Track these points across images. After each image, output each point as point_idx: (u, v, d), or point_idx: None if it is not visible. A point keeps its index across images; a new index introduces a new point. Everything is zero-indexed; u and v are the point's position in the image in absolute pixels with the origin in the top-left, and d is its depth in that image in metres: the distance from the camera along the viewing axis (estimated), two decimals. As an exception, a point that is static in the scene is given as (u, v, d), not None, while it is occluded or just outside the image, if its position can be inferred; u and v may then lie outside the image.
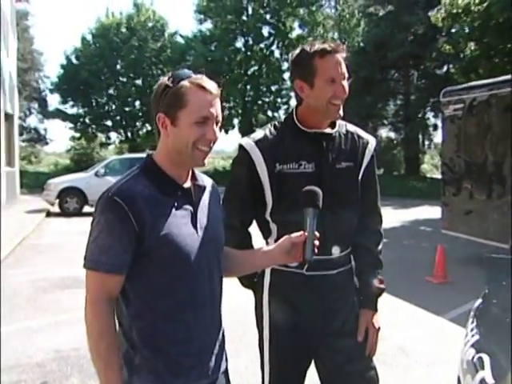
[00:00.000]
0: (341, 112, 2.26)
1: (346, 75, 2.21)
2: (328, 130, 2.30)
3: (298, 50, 2.26)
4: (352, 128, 2.41)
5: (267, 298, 2.32)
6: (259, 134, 2.32)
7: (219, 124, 1.71)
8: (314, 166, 2.23)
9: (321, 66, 2.17)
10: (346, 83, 2.21)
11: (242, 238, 2.32)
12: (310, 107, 2.25)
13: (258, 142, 2.27)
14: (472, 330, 2.42)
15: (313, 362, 2.40)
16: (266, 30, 34.50)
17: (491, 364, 2.01)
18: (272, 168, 2.23)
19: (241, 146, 2.29)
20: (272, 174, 2.23)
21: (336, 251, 2.28)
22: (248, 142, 2.29)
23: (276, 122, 2.38)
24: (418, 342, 5.26)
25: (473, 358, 2.16)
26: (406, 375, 4.49)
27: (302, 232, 1.80)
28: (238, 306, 5.40)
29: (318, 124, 2.27)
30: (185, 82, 1.66)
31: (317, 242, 1.80)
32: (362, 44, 30.78)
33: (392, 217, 15.11)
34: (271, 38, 34.54)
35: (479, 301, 2.63)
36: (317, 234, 1.80)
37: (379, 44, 27.38)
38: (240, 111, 35.08)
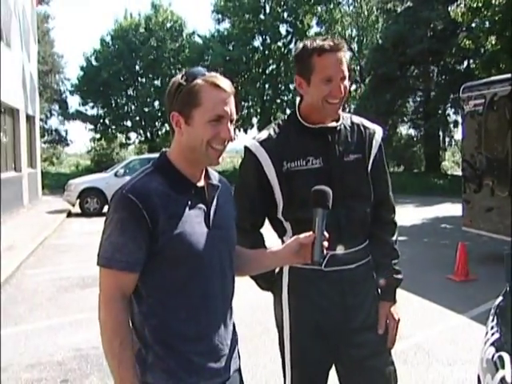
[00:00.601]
0: (340, 111, 2.26)
1: (346, 74, 2.18)
2: (332, 124, 2.28)
3: (300, 46, 2.25)
4: (357, 119, 2.39)
5: (287, 296, 2.30)
6: (263, 134, 2.31)
7: (233, 122, 1.70)
8: (321, 161, 2.22)
9: (318, 64, 2.15)
10: (346, 83, 2.19)
11: (254, 240, 2.29)
12: (309, 104, 2.25)
13: (262, 142, 2.26)
14: (492, 328, 2.38)
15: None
16: (283, 29, 34.49)
17: (510, 363, 1.97)
18: (279, 167, 2.22)
19: (246, 148, 2.29)
20: (280, 172, 2.22)
21: (352, 245, 2.26)
22: (253, 142, 2.28)
23: (280, 121, 2.37)
24: (438, 341, 5.21)
25: (493, 356, 2.13)
26: (427, 374, 4.44)
27: (310, 232, 1.79)
28: (256, 304, 5.40)
29: (321, 119, 2.25)
30: (199, 81, 1.65)
31: (326, 243, 1.78)
32: (380, 41, 30.56)
33: (413, 214, 15.00)
34: (289, 37, 34.49)
35: (500, 298, 2.59)
36: (326, 234, 1.78)
37: (398, 40, 27.12)
38: (259, 110, 35.09)
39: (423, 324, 5.71)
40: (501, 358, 2.05)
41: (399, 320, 2.34)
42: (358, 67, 33.56)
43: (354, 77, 33.27)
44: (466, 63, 28.01)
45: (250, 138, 2.34)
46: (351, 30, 35.95)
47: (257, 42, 34.72)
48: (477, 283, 7.40)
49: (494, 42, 17.52)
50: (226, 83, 1.67)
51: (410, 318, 5.56)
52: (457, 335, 5.35)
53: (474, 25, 19.31)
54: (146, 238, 1.60)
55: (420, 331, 5.42)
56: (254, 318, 5.38)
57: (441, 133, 32.07)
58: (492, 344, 2.24)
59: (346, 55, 2.19)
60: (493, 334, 2.32)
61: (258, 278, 2.31)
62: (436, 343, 5.14)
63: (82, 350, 5.00)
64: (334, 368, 2.38)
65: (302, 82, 2.22)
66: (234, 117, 1.69)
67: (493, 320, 2.45)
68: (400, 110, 31.39)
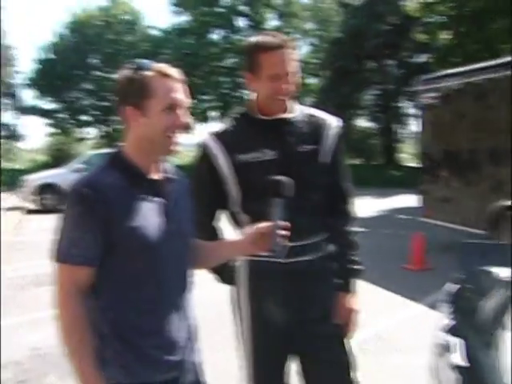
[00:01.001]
0: (293, 104, 2.29)
1: (293, 71, 2.20)
2: (287, 115, 2.29)
3: (247, 42, 2.28)
4: (313, 111, 2.41)
5: (245, 289, 2.31)
6: (219, 127, 2.34)
7: (187, 109, 1.72)
8: (275, 152, 2.24)
9: (264, 62, 2.18)
10: (293, 79, 2.21)
11: (211, 232, 2.31)
12: (259, 98, 2.27)
13: (217, 136, 2.29)
14: (446, 314, 2.45)
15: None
16: (242, 22, 34.45)
17: (464, 347, 2.04)
18: (234, 159, 2.24)
19: (201, 142, 2.31)
20: (235, 165, 2.24)
21: (307, 238, 2.27)
22: (207, 136, 2.30)
23: (235, 114, 2.39)
24: (397, 329, 5.31)
25: (445, 341, 2.19)
26: (386, 362, 4.53)
27: (268, 222, 1.80)
28: (216, 298, 5.38)
29: (274, 111, 2.27)
30: (148, 72, 1.66)
31: (284, 232, 1.79)
32: (338, 34, 30.84)
33: (371, 206, 15.23)
34: (248, 30, 34.44)
35: (453, 286, 2.66)
36: (283, 223, 1.79)
37: (355, 34, 27.46)
38: (218, 104, 34.97)
39: (382, 313, 5.81)
40: (453, 342, 2.11)
41: (358, 310, 2.37)
42: (318, 61, 33.76)
43: (314, 70, 33.50)
44: (421, 57, 28.53)
45: (206, 132, 2.34)
46: (310, 24, 36.11)
47: (215, 36, 34.60)
48: (433, 272, 7.56)
49: (448, 37, 17.90)
50: (174, 71, 1.70)
51: (370, 308, 5.62)
52: (415, 323, 5.46)
53: (429, 20, 19.71)
54: (101, 231, 1.59)
55: (379, 320, 5.52)
56: (215, 312, 5.37)
57: (398, 125, 32.63)
58: (445, 330, 2.31)
59: (293, 52, 2.20)
60: (446, 320, 2.38)
61: (217, 271, 2.31)
62: (396, 332, 5.25)
63: (40, 349, 4.91)
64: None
65: (250, 77, 2.25)
66: (187, 103, 1.71)
67: (446, 307, 2.51)
68: (357, 102, 31.81)
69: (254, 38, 2.25)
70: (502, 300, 2.16)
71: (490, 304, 2.23)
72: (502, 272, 2.34)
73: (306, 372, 2.37)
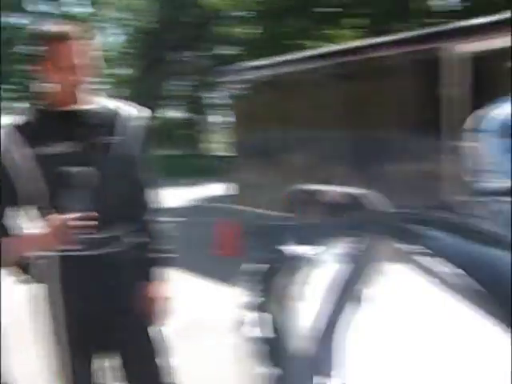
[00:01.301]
0: (88, 97, 2.27)
1: (82, 62, 2.19)
2: (84, 107, 2.28)
3: (39, 30, 2.24)
4: (112, 103, 2.41)
5: (51, 285, 2.24)
6: (15, 119, 2.25)
7: None
8: (73, 145, 2.20)
9: (50, 52, 2.16)
10: (82, 71, 2.20)
11: (4, 230, 2.19)
12: (53, 88, 2.23)
13: (13, 128, 2.20)
14: (250, 292, 2.62)
15: None
16: (45, 7, 32.51)
17: (265, 321, 2.21)
18: (30, 152, 2.16)
19: None
20: (32, 158, 2.16)
21: (113, 229, 2.26)
22: (2, 128, 2.20)
23: (33, 105, 2.33)
24: (210, 312, 5.50)
25: (249, 318, 2.35)
26: (202, 345, 4.66)
27: (72, 214, 1.78)
28: (18, 299, 5.09)
29: (68, 103, 2.24)
30: None
31: (86, 223, 1.78)
32: (151, 25, 30.55)
33: (183, 196, 15.36)
34: (53, 17, 32.56)
35: (256, 265, 2.86)
36: (87, 215, 1.78)
37: (167, 25, 27.53)
38: (13, 94, 32.61)
39: (197, 299, 5.97)
40: (255, 318, 2.29)
41: (167, 298, 2.42)
42: (132, 51, 33.12)
43: (128, 61, 32.87)
44: (231, 49, 29.43)
45: (3, 124, 2.24)
46: (126, 14, 35.09)
47: (12, 20, 32.17)
48: (246, 256, 7.88)
49: (258, 31, 18.79)
50: None
51: (183, 295, 5.74)
52: (226, 305, 5.69)
53: (239, 13, 20.55)
54: None
55: (194, 306, 5.66)
56: (20, 313, 5.08)
57: (208, 115, 33.42)
58: (248, 307, 2.48)
59: (83, 42, 2.20)
60: (250, 298, 2.56)
61: (20, 269, 2.23)
62: (209, 315, 5.42)
63: None
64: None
65: (42, 67, 2.20)
66: None
67: (251, 285, 2.69)
68: (166, 93, 31.96)
69: (44, 27, 2.22)
70: (293, 273, 2.38)
71: (285, 278, 2.43)
72: (297, 249, 2.56)
73: (118, 365, 2.37)
